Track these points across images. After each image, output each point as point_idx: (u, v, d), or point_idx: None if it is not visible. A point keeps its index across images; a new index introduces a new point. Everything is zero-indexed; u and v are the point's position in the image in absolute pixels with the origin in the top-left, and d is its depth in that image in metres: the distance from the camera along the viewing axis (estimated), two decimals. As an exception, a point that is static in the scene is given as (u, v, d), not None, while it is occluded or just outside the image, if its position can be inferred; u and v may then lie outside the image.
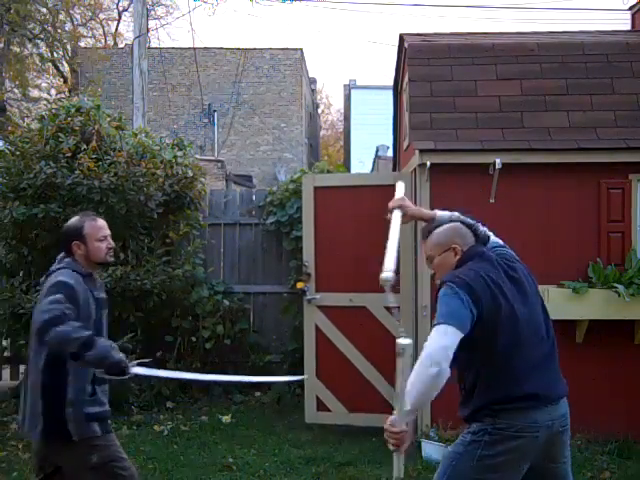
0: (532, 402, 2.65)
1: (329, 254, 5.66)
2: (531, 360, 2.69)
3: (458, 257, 2.83)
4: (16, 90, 18.79)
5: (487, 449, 2.66)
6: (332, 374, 5.65)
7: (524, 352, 2.67)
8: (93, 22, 23.25)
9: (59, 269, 3.14)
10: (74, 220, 3.26)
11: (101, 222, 3.25)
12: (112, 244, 3.25)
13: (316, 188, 5.71)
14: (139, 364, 3.00)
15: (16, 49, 18.37)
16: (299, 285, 5.75)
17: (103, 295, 3.30)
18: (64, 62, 21.85)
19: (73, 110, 6.11)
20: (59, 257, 3.23)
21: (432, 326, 2.64)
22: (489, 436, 2.66)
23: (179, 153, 6.56)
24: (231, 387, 6.77)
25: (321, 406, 5.70)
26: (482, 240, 2.94)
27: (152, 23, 20.52)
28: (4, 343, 6.76)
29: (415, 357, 2.64)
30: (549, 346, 2.77)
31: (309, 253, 5.69)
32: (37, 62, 19.78)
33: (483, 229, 3.03)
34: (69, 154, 5.84)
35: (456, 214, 3.04)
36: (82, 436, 3.04)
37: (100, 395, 3.13)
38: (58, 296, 2.93)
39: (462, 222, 2.96)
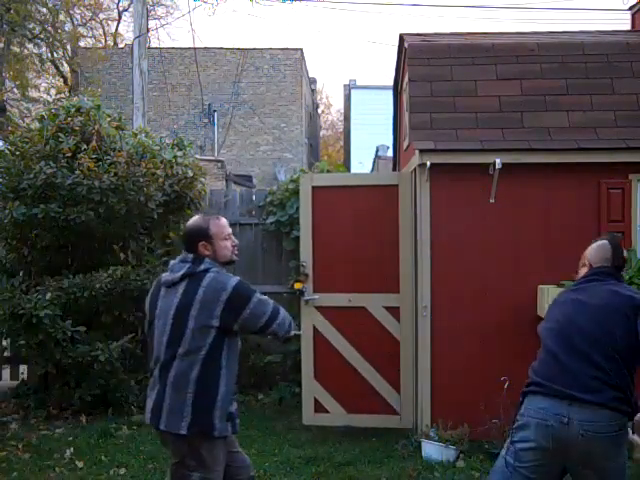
0: (541, 388, 2.91)
1: (327, 254, 5.66)
2: (553, 354, 2.97)
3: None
4: (16, 90, 18.79)
5: (514, 435, 2.97)
6: (330, 375, 5.65)
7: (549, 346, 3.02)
8: (93, 22, 23.27)
9: (210, 269, 3.08)
10: (197, 220, 3.22)
11: (224, 221, 3.25)
12: (236, 241, 3.26)
13: (314, 188, 5.70)
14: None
15: (16, 49, 18.37)
16: (297, 286, 5.74)
17: None
18: (64, 62, 21.86)
19: (73, 110, 6.11)
20: (190, 257, 3.13)
21: None
22: (515, 422, 2.98)
23: (179, 153, 6.56)
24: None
25: (319, 408, 5.69)
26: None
27: (152, 23, 20.55)
28: (4, 343, 6.77)
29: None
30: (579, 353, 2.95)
31: (307, 253, 5.69)
32: (37, 62, 19.78)
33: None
34: (69, 154, 5.84)
35: None
36: (221, 433, 3.02)
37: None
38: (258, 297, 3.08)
39: None
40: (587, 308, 3.02)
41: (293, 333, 3.24)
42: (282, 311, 3.15)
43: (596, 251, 3.23)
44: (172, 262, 3.20)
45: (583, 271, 3.23)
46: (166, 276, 3.15)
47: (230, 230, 3.25)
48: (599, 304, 3.01)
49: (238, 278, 3.09)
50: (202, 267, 3.07)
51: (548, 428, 2.83)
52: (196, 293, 3.00)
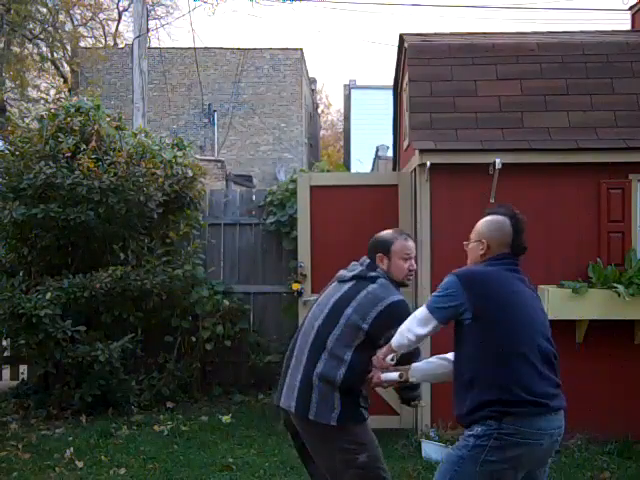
0: (542, 408, 2.64)
1: (326, 255, 5.65)
2: (536, 366, 2.69)
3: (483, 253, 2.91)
4: (16, 90, 18.79)
5: (492, 454, 2.63)
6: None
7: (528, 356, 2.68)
8: (93, 22, 23.26)
9: (379, 278, 3.18)
10: (387, 233, 3.34)
11: (411, 244, 3.30)
12: (414, 266, 3.30)
13: (312, 187, 5.70)
14: None
15: (16, 49, 18.37)
16: (295, 286, 5.73)
17: None
18: (64, 62, 21.85)
19: (73, 110, 6.11)
20: (367, 261, 3.27)
21: None
22: (495, 441, 2.63)
23: (179, 153, 6.56)
24: (231, 387, 6.78)
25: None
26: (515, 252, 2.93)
27: (152, 23, 20.53)
28: (4, 343, 6.77)
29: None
30: (551, 356, 2.77)
31: (305, 254, 5.68)
32: (37, 62, 19.78)
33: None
34: (69, 154, 5.84)
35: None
36: (366, 417, 3.18)
37: None
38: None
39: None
40: (533, 301, 2.85)
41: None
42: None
43: (497, 232, 2.91)
44: (353, 263, 3.33)
45: (475, 249, 2.96)
46: (342, 272, 3.30)
47: (414, 253, 3.30)
48: (535, 297, 2.90)
49: (401, 297, 3.16)
50: (373, 274, 3.19)
51: (540, 447, 2.66)
52: (358, 294, 3.13)
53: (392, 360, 2.93)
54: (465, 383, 2.76)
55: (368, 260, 3.27)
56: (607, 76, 5.42)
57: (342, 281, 3.25)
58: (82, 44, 22.24)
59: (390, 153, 11.37)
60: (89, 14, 22.45)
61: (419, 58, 5.61)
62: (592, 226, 5.20)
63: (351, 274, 3.23)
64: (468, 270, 2.91)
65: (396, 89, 7.23)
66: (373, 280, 3.17)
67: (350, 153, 25.75)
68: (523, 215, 3.03)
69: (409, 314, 2.98)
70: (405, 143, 6.26)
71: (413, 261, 3.29)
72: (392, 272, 3.23)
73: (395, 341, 2.90)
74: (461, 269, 2.88)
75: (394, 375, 3.02)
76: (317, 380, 3.08)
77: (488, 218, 2.98)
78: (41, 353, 5.87)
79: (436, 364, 3.12)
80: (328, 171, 7.23)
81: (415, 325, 2.85)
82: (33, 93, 20.53)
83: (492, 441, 2.63)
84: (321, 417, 3.06)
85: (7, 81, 18.48)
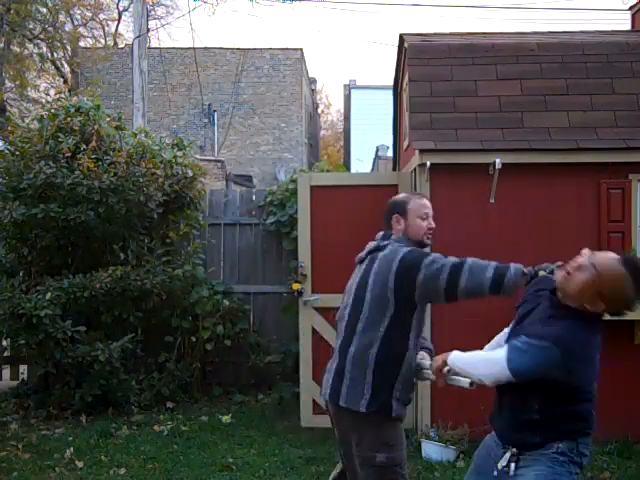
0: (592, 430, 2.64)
1: (326, 254, 5.65)
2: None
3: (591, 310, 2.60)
4: (16, 90, 18.79)
5: (574, 469, 2.62)
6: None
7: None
8: (93, 22, 23.27)
9: (391, 243, 3.05)
10: (400, 195, 3.28)
11: (426, 202, 3.19)
12: (433, 225, 3.17)
13: (312, 187, 5.69)
14: None
15: (16, 49, 18.37)
16: (295, 286, 5.73)
17: None
18: (64, 62, 21.86)
19: (73, 110, 6.11)
20: (381, 234, 3.17)
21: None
22: (577, 457, 2.61)
23: (179, 153, 6.56)
24: (231, 387, 6.78)
25: (318, 409, 5.68)
26: None
27: (152, 23, 20.52)
28: (4, 343, 6.77)
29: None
30: None
31: (305, 254, 5.68)
32: (37, 62, 19.79)
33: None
34: (69, 154, 5.84)
35: None
36: (399, 415, 2.97)
37: None
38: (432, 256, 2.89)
39: None
40: None
41: None
42: (473, 261, 2.89)
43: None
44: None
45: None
46: (360, 254, 3.19)
47: (431, 212, 3.17)
48: None
49: (408, 248, 2.98)
50: (385, 242, 3.07)
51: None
52: (373, 266, 3.00)
53: (448, 372, 2.81)
54: (532, 411, 2.65)
55: (382, 233, 3.17)
56: (607, 76, 5.42)
57: (361, 262, 3.14)
58: (82, 44, 22.27)
59: (390, 153, 11.38)
60: (89, 14, 22.48)
61: (419, 58, 5.61)
62: (592, 226, 5.20)
63: (366, 251, 3.13)
64: (572, 340, 2.52)
65: (396, 89, 7.23)
66: (384, 248, 3.04)
67: (350, 153, 25.75)
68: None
69: (423, 255, 2.89)
70: (405, 143, 6.26)
71: (431, 219, 3.16)
72: (410, 232, 3.11)
73: (456, 360, 2.74)
74: (563, 336, 2.50)
75: (464, 382, 2.81)
76: (349, 364, 2.96)
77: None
78: (41, 353, 5.87)
79: None
80: (328, 171, 7.23)
81: (487, 373, 2.63)
82: (33, 93, 20.53)
83: (577, 457, 2.61)
84: (350, 403, 2.93)
85: (7, 81, 18.49)
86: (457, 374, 2.77)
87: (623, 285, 2.50)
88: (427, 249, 3.16)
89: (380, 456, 2.93)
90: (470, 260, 2.89)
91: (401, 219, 3.13)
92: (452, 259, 2.89)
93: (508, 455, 2.65)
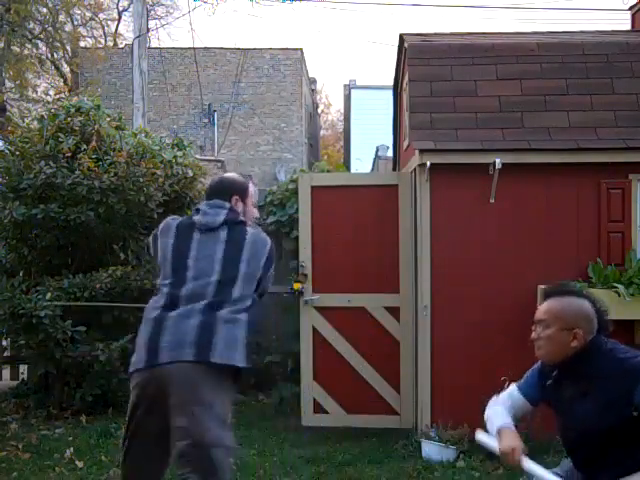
0: None
1: (326, 254, 5.66)
2: None
3: (577, 345, 2.64)
4: (16, 90, 18.79)
5: None
6: (330, 376, 5.64)
7: None
8: (93, 22, 23.25)
9: (246, 223, 3.14)
10: (235, 175, 3.29)
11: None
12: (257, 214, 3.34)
13: (313, 188, 5.70)
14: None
15: (16, 49, 18.37)
16: (296, 286, 5.74)
17: None
18: (64, 62, 21.85)
19: (73, 110, 6.11)
20: (227, 204, 3.11)
21: None
22: None
23: (179, 153, 6.56)
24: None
25: (318, 408, 5.69)
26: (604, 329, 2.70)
27: (152, 23, 20.48)
28: (4, 343, 6.77)
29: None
30: None
31: (306, 253, 5.68)
32: (37, 63, 19.78)
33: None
34: (69, 154, 5.84)
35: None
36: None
37: None
38: None
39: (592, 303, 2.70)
40: None
41: None
42: None
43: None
44: (201, 206, 3.15)
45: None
46: (199, 219, 3.08)
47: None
48: None
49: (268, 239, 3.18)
50: (241, 218, 3.11)
51: None
52: (244, 240, 3.04)
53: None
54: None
55: (227, 204, 3.12)
56: (607, 76, 5.42)
57: (209, 230, 3.05)
58: (82, 44, 22.24)
59: (390, 153, 11.36)
60: (89, 14, 22.44)
61: (419, 58, 5.61)
62: (592, 226, 5.20)
63: (219, 219, 3.06)
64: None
65: (396, 89, 7.22)
66: (244, 225, 3.12)
67: (350, 153, 25.74)
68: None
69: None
70: (405, 143, 6.26)
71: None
72: (247, 216, 3.19)
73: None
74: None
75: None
76: (221, 326, 3.04)
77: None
78: (41, 353, 5.87)
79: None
80: (328, 171, 7.23)
81: None
82: (33, 93, 20.52)
83: None
84: (229, 359, 3.00)
85: (7, 81, 18.48)
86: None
87: (580, 307, 2.66)
88: None
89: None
90: None
91: (240, 202, 3.16)
92: None
93: None
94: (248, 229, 3.10)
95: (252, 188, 3.24)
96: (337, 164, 12.01)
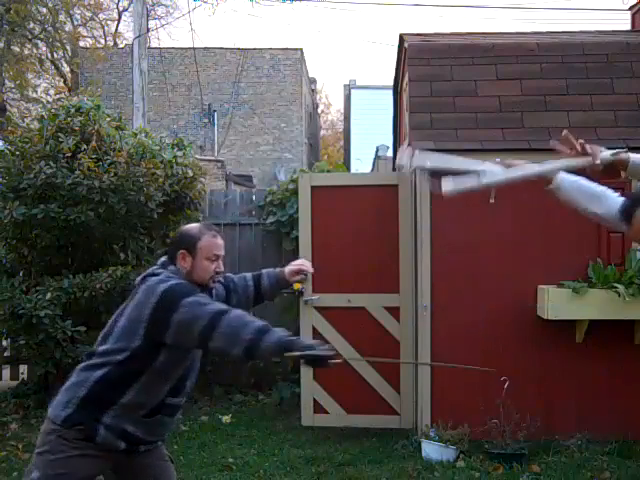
0: None
1: (326, 254, 5.65)
2: None
3: None
4: (16, 90, 18.79)
5: None
6: (330, 376, 5.62)
7: None
8: (93, 22, 23.25)
9: (163, 273, 2.77)
10: (192, 227, 2.90)
11: (220, 241, 2.84)
12: (222, 269, 2.83)
13: (313, 188, 5.70)
14: None
15: (16, 49, 18.37)
16: (296, 286, 5.73)
17: None
18: (64, 62, 21.85)
19: (73, 110, 6.10)
20: (162, 260, 2.88)
21: None
22: None
23: (179, 153, 6.55)
24: (231, 387, 6.78)
25: (318, 408, 5.69)
26: None
27: (152, 23, 20.44)
28: (4, 343, 6.76)
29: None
30: None
31: (306, 253, 5.68)
32: (37, 63, 19.78)
33: None
34: (69, 154, 5.83)
35: None
36: (104, 440, 2.95)
37: None
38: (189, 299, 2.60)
39: None
40: None
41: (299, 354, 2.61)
42: (237, 319, 2.56)
43: None
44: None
45: None
46: (137, 278, 2.90)
47: (222, 253, 2.83)
48: None
49: (176, 281, 2.69)
50: (160, 270, 2.79)
51: None
52: (137, 293, 2.76)
53: None
54: None
55: (163, 259, 2.89)
56: (607, 76, 5.42)
57: (134, 288, 2.85)
58: (82, 44, 22.25)
59: (390, 153, 11.37)
60: (89, 14, 22.44)
61: (419, 58, 5.61)
62: (592, 226, 5.18)
63: (140, 277, 2.84)
64: None
65: (396, 89, 7.22)
66: (156, 276, 2.76)
67: (350, 153, 25.74)
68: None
69: (186, 294, 2.61)
70: (405, 143, 6.26)
71: (221, 262, 2.82)
72: (194, 274, 2.77)
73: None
74: None
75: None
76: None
77: None
78: (41, 353, 5.86)
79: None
80: (328, 171, 7.23)
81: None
82: (33, 93, 20.52)
83: None
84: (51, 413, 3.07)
85: (7, 81, 18.48)
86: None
87: None
88: (208, 293, 2.84)
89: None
90: (233, 314, 2.57)
91: (188, 257, 2.77)
92: (217, 307, 2.60)
93: None
94: (152, 279, 2.73)
95: (207, 241, 2.79)
96: (337, 164, 11.98)
